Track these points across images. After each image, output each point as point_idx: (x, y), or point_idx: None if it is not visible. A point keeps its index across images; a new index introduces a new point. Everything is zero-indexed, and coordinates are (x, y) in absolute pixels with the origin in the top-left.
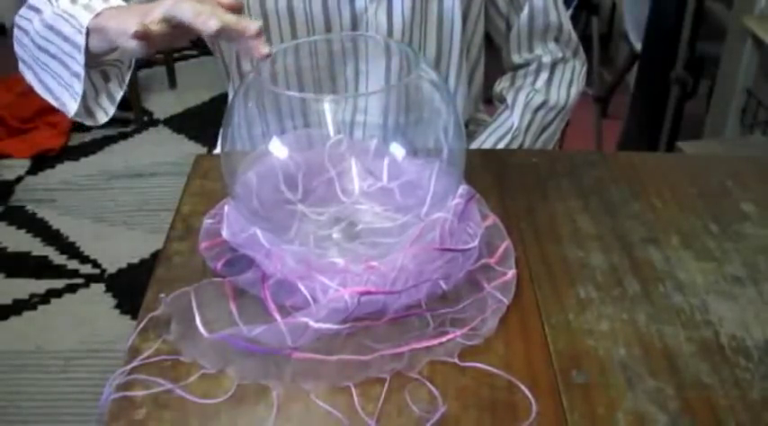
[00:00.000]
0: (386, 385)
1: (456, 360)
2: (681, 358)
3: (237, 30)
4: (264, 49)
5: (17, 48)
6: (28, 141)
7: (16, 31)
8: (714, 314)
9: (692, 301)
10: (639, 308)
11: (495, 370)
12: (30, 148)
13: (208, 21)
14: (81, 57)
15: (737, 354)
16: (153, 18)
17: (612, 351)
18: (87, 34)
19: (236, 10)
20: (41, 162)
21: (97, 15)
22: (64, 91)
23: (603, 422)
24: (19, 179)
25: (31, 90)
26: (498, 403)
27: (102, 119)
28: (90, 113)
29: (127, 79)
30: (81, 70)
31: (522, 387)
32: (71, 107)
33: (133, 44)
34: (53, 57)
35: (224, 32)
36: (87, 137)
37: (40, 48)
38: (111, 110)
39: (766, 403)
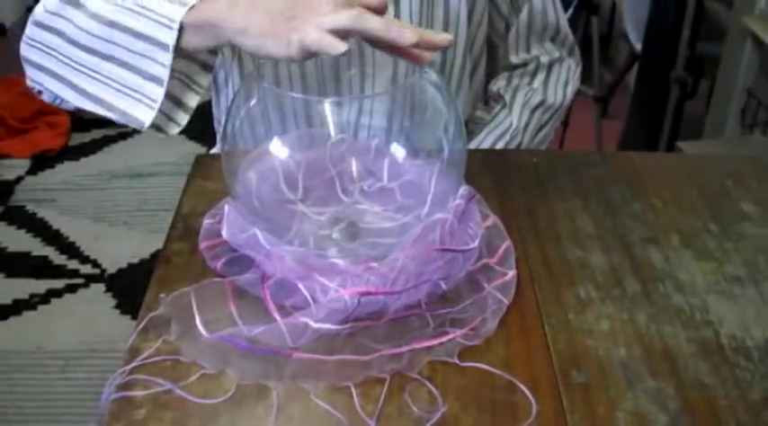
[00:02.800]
0: (386, 385)
1: (456, 360)
2: (681, 358)
3: (432, 40)
4: (428, 57)
5: (30, 53)
6: (28, 141)
7: (37, 32)
8: (714, 314)
9: (692, 301)
10: (639, 308)
11: (495, 370)
12: (30, 148)
13: (404, 33)
14: (167, 57)
15: (737, 354)
16: (331, 25)
17: (612, 351)
18: (180, 30)
19: (383, 11)
20: (41, 162)
21: (194, 8)
22: (126, 98)
23: (603, 422)
24: (19, 179)
25: (31, 89)
26: (498, 403)
27: (174, 130)
28: (155, 124)
29: (205, 83)
30: (164, 72)
31: (522, 387)
32: (143, 116)
33: (339, 51)
34: (108, 59)
35: (418, 45)
36: (87, 138)
37: (85, 48)
38: (185, 120)
39: (766, 403)
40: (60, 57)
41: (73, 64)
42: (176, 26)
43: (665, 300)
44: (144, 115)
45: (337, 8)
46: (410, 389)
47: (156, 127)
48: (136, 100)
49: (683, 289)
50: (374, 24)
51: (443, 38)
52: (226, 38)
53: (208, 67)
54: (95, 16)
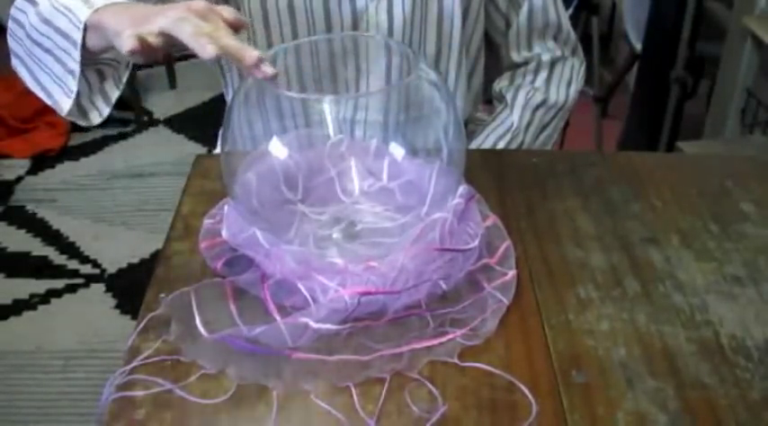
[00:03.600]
0: (386, 385)
1: (456, 360)
2: (681, 358)
3: (236, 57)
4: (268, 71)
5: (10, 42)
6: (28, 141)
7: (11, 24)
8: (714, 314)
9: (692, 301)
10: (639, 308)
11: (495, 370)
12: (30, 148)
13: (206, 46)
14: (77, 54)
15: (737, 354)
16: (150, 30)
17: (612, 351)
18: (85, 30)
19: (239, 27)
20: (41, 162)
21: (96, 11)
22: (57, 88)
23: (603, 422)
24: (19, 179)
25: (30, 89)
26: (498, 403)
27: (96, 119)
28: (83, 113)
29: (124, 79)
30: (76, 67)
31: (522, 387)
32: (64, 105)
33: (126, 50)
34: (47, 51)
35: (223, 57)
36: (87, 137)
37: (34, 42)
38: (106, 111)
39: (766, 403)
40: (24, 46)
41: (29, 53)
42: (81, 26)
43: (665, 300)
44: (65, 103)
45: (180, 21)
46: (410, 389)
47: (82, 113)
48: (62, 90)
49: (683, 289)
50: (183, 34)
51: (248, 54)
52: (109, 39)
53: (128, 65)
54: (39, 14)
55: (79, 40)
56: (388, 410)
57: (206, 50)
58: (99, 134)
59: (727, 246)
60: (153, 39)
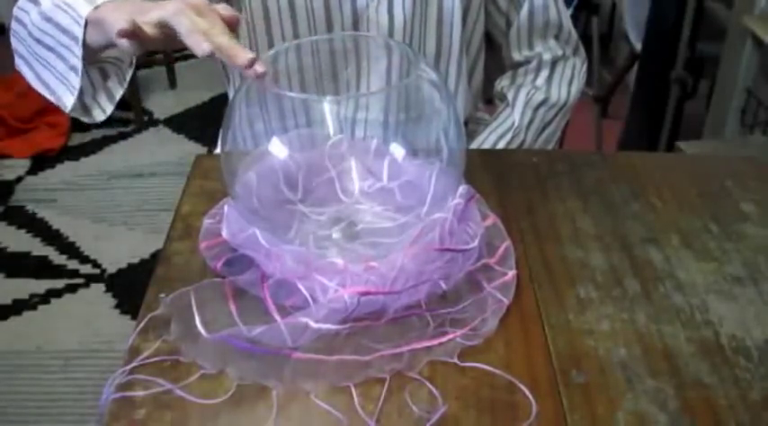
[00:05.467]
0: (386, 385)
1: (456, 360)
2: (681, 358)
3: (229, 56)
4: (259, 70)
5: (14, 42)
6: (28, 141)
7: (14, 24)
8: (714, 314)
9: (692, 301)
10: (639, 308)
11: (495, 370)
12: (30, 148)
13: (201, 43)
14: (79, 50)
15: (737, 354)
16: (148, 19)
17: (612, 351)
18: (86, 26)
19: (234, 24)
20: (41, 162)
21: (97, 7)
22: (60, 84)
23: (603, 422)
24: (19, 179)
25: (30, 89)
26: (498, 403)
27: (100, 117)
28: (86, 110)
29: (128, 77)
30: (78, 63)
31: (522, 387)
32: (67, 101)
33: (122, 41)
34: (50, 49)
35: (216, 55)
36: (87, 137)
37: (37, 40)
38: (110, 109)
39: (766, 403)
40: (26, 45)
41: (32, 52)
42: (82, 22)
43: (665, 300)
44: (68, 100)
45: (179, 14)
46: (410, 389)
47: (85, 111)
48: (65, 86)
49: (683, 289)
50: (181, 27)
51: (241, 55)
52: (109, 34)
53: (131, 64)
54: (41, 12)
55: (80, 36)
56: (388, 410)
57: (201, 47)
58: (99, 134)
59: (727, 246)
60: (149, 29)
